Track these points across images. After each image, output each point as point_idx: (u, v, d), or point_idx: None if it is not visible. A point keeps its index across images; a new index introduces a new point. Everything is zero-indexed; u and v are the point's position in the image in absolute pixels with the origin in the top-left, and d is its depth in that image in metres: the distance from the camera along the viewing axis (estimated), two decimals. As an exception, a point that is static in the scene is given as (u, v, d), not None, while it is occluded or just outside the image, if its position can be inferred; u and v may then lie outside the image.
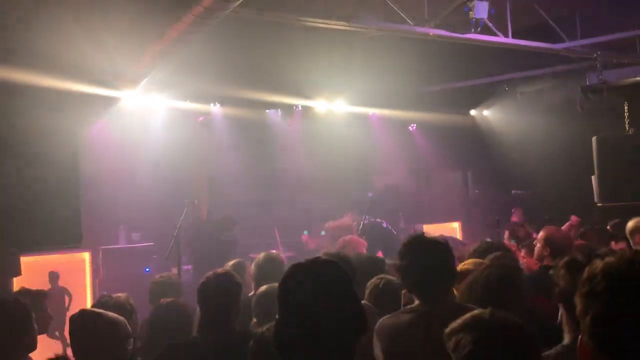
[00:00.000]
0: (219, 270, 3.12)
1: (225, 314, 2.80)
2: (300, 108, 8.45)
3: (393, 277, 3.49)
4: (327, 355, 1.61)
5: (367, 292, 3.44)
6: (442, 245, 2.67)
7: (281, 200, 9.00)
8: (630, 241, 4.84)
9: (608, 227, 5.54)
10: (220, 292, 2.85)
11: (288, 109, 9.05)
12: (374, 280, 3.50)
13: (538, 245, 4.56)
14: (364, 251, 5.12)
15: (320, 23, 5.62)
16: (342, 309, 1.64)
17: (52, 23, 4.95)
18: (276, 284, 1.79)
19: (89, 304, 6.88)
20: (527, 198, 8.14)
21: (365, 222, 6.88)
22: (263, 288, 3.30)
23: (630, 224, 4.86)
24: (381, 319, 2.68)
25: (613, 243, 5.18)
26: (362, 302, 3.03)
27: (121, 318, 2.59)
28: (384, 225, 7.43)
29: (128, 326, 2.59)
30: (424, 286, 2.60)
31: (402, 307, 3.11)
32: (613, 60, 7.06)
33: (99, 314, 2.58)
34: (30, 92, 5.76)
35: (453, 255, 2.71)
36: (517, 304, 2.58)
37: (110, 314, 2.60)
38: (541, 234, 4.58)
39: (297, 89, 8.02)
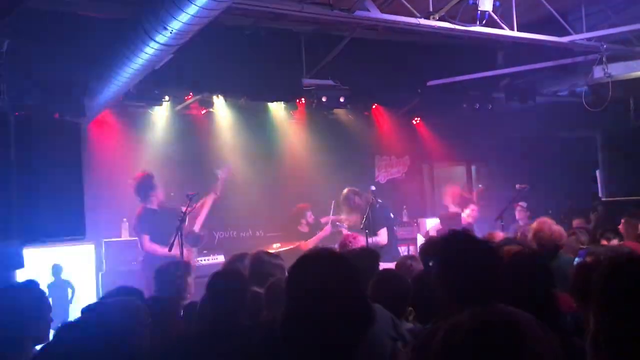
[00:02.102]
0: (227, 266, 3.16)
1: (233, 309, 2.81)
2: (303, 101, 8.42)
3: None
4: (332, 346, 1.61)
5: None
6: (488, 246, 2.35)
7: (282, 193, 8.99)
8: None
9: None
10: (230, 289, 2.86)
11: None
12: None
13: (529, 235, 4.58)
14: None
15: (322, 15, 5.59)
16: (349, 301, 1.63)
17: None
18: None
19: (93, 297, 6.91)
20: (531, 192, 8.10)
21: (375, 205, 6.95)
22: (273, 279, 3.32)
23: None
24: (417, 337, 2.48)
25: (605, 241, 5.18)
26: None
27: None
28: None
29: None
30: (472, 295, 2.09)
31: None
32: (619, 53, 7.01)
33: None
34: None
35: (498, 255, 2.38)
36: None
37: None
38: (534, 225, 4.60)
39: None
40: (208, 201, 7.13)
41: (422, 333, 2.53)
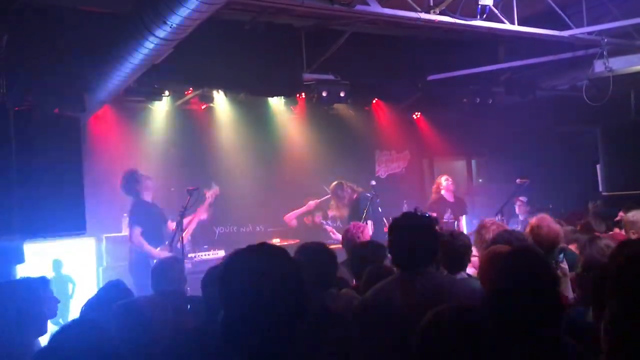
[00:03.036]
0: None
1: None
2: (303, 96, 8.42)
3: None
4: (268, 341, 1.62)
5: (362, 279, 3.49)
6: (423, 221, 3.04)
7: (282, 188, 8.99)
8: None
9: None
10: None
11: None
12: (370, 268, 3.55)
13: (527, 230, 4.58)
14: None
15: (323, 9, 5.57)
16: (281, 293, 1.63)
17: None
18: None
19: (93, 292, 6.92)
20: (531, 187, 8.10)
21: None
22: None
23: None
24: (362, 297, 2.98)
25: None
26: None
27: None
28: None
29: None
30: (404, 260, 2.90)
31: None
32: (620, 47, 6.99)
33: None
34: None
35: (433, 229, 3.03)
36: None
37: None
38: (533, 221, 4.59)
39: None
40: (194, 220, 6.98)
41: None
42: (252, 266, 1.67)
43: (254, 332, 1.61)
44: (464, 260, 3.67)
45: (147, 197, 6.81)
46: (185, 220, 6.38)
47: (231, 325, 1.64)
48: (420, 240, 2.87)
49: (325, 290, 3.07)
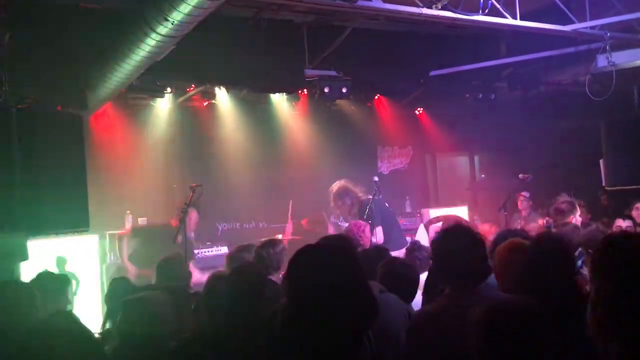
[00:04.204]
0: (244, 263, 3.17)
1: (251, 303, 2.81)
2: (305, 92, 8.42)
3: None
4: (336, 338, 1.58)
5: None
6: (475, 235, 2.64)
7: (285, 184, 9.00)
8: None
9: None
10: (247, 286, 2.86)
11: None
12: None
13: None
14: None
15: (325, 5, 5.57)
16: (351, 292, 1.60)
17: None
18: None
19: (97, 289, 6.95)
20: (533, 182, 8.10)
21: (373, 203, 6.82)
22: None
23: None
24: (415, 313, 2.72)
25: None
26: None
27: None
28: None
29: None
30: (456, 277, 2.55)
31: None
32: (623, 41, 6.96)
33: None
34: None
35: (484, 243, 2.66)
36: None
37: None
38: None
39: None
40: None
41: (415, 316, 2.70)
42: (325, 260, 1.65)
43: (324, 328, 1.56)
44: None
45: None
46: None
47: (294, 318, 1.60)
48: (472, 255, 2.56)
49: None
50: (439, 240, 2.67)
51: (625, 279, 1.37)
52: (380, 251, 4.22)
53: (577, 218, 5.48)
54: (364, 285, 1.68)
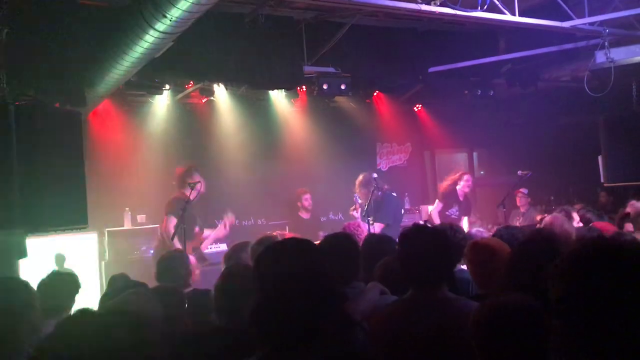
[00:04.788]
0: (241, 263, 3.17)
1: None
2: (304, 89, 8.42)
3: None
4: (301, 327, 1.72)
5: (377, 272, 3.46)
6: (439, 235, 2.69)
7: (283, 181, 9.00)
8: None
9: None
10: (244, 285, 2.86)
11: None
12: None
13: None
14: None
15: (323, 1, 5.56)
16: (311, 282, 1.74)
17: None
18: None
19: (97, 286, 6.95)
20: (532, 179, 8.10)
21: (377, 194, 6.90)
22: None
23: None
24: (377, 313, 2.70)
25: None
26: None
27: None
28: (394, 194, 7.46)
29: None
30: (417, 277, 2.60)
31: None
32: (622, 38, 6.96)
33: None
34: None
35: (448, 244, 2.71)
36: None
37: None
38: (548, 219, 4.54)
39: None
40: (211, 237, 7.22)
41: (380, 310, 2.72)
42: (286, 258, 1.79)
43: (281, 321, 1.70)
44: (462, 253, 3.69)
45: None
46: (204, 234, 6.67)
47: (259, 312, 1.73)
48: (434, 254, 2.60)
49: (350, 284, 3.04)
50: (401, 243, 2.71)
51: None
52: (383, 238, 4.21)
53: None
54: (323, 276, 1.81)
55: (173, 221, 6.45)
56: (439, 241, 2.63)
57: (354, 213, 7.44)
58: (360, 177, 7.28)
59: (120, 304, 2.75)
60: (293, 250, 1.82)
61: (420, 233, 2.68)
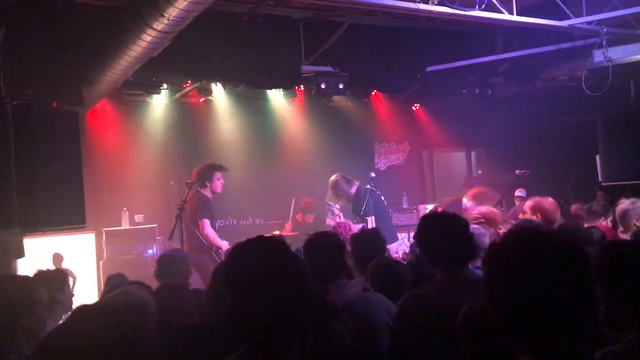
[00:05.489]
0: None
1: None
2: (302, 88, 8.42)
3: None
4: (278, 328, 1.69)
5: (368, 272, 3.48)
6: (459, 219, 2.82)
7: (281, 181, 8.99)
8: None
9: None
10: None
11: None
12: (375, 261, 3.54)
13: (527, 214, 4.62)
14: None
15: (323, 0, 5.56)
16: (283, 284, 1.71)
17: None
18: None
19: (94, 286, 6.94)
20: (531, 178, 8.09)
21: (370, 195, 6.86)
22: None
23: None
24: (405, 296, 2.79)
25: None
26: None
27: None
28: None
29: None
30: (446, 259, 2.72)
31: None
32: (619, 37, 6.97)
33: None
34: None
35: (468, 226, 2.85)
36: None
37: None
38: (528, 203, 4.69)
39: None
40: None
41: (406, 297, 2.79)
42: (257, 258, 1.76)
43: (258, 321, 1.68)
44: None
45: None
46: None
47: (235, 314, 1.71)
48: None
49: (334, 281, 3.05)
50: (425, 226, 2.85)
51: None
52: (376, 232, 4.22)
53: (608, 223, 5.42)
54: (296, 273, 1.79)
55: (208, 223, 6.62)
56: (462, 224, 2.80)
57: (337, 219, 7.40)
58: (332, 178, 7.19)
59: (114, 298, 2.75)
60: (260, 249, 1.80)
61: (445, 217, 2.86)
